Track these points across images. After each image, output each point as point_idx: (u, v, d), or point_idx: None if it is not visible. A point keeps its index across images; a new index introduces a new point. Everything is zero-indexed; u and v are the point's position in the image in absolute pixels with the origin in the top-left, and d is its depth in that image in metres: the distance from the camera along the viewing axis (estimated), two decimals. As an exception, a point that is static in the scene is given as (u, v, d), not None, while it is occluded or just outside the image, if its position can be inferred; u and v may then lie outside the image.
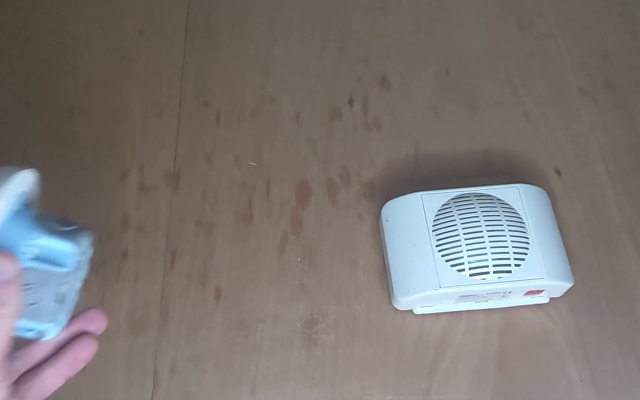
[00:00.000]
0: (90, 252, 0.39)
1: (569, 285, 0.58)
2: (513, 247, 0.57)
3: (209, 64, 0.77)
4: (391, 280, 0.59)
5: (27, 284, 0.33)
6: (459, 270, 0.56)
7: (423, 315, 0.61)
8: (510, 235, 0.57)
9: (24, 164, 0.69)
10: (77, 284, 0.38)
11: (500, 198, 0.60)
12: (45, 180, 0.70)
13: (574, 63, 0.77)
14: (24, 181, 0.37)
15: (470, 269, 0.56)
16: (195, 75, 0.76)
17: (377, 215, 0.65)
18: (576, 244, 0.64)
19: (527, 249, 0.57)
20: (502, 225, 0.58)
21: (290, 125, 0.72)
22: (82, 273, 0.39)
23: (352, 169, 0.69)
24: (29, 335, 0.34)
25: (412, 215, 0.60)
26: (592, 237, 0.65)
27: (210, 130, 0.72)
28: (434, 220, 0.59)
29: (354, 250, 0.64)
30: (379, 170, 0.69)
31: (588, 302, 0.61)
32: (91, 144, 0.71)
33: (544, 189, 0.63)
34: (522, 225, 0.58)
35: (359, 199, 0.67)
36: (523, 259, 0.57)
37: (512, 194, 0.60)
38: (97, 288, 0.62)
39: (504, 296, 0.59)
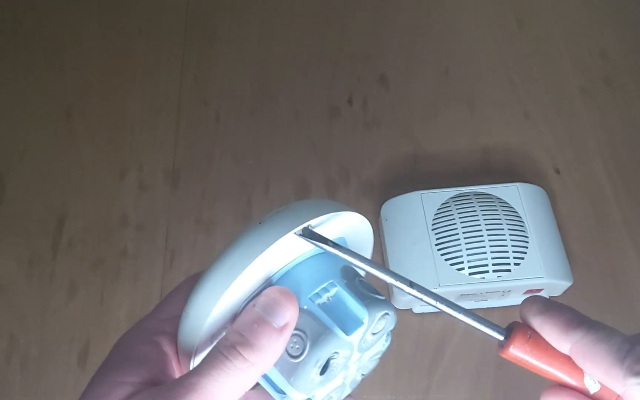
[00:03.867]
0: (386, 343, 0.31)
1: (568, 284, 0.58)
2: (512, 246, 0.57)
3: (208, 62, 0.77)
4: (390, 279, 0.59)
5: (296, 330, 0.26)
6: (458, 269, 0.56)
7: (422, 314, 0.61)
8: (510, 234, 0.57)
9: (22, 162, 0.70)
10: (355, 372, 0.31)
11: (500, 197, 0.60)
12: (44, 179, 0.70)
13: (574, 62, 0.77)
14: (354, 226, 0.31)
15: (469, 267, 0.56)
16: (195, 74, 0.76)
17: (377, 214, 0.65)
18: (575, 242, 0.64)
19: (527, 248, 0.57)
20: (502, 224, 0.58)
21: (290, 124, 0.72)
22: (367, 365, 0.31)
23: (351, 168, 0.69)
24: (270, 390, 0.28)
25: (412, 214, 0.60)
26: (592, 236, 0.65)
27: (210, 129, 0.72)
28: (433, 219, 0.59)
29: (353, 249, 0.64)
30: (378, 169, 0.69)
31: (587, 301, 0.61)
32: (90, 142, 0.71)
33: (543, 188, 0.63)
34: (521, 224, 0.58)
35: (358, 198, 0.67)
36: (522, 258, 0.57)
37: (512, 193, 0.60)
38: (96, 287, 0.62)
39: (503, 295, 0.59)
